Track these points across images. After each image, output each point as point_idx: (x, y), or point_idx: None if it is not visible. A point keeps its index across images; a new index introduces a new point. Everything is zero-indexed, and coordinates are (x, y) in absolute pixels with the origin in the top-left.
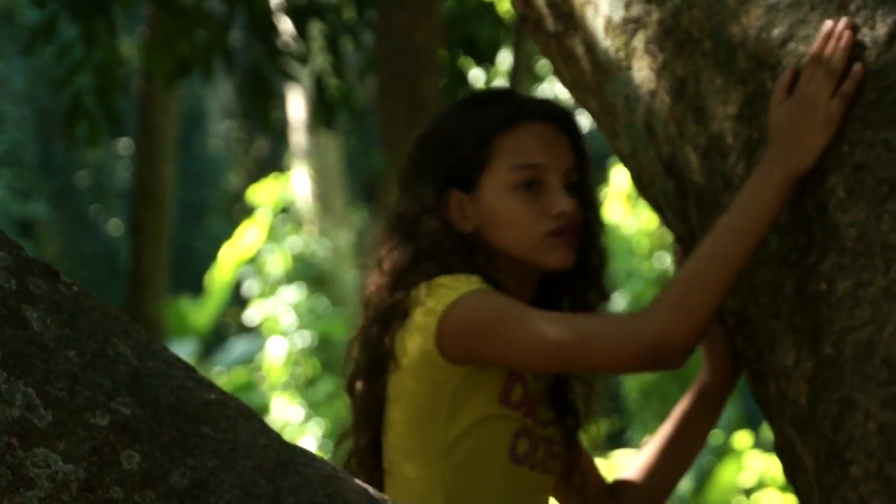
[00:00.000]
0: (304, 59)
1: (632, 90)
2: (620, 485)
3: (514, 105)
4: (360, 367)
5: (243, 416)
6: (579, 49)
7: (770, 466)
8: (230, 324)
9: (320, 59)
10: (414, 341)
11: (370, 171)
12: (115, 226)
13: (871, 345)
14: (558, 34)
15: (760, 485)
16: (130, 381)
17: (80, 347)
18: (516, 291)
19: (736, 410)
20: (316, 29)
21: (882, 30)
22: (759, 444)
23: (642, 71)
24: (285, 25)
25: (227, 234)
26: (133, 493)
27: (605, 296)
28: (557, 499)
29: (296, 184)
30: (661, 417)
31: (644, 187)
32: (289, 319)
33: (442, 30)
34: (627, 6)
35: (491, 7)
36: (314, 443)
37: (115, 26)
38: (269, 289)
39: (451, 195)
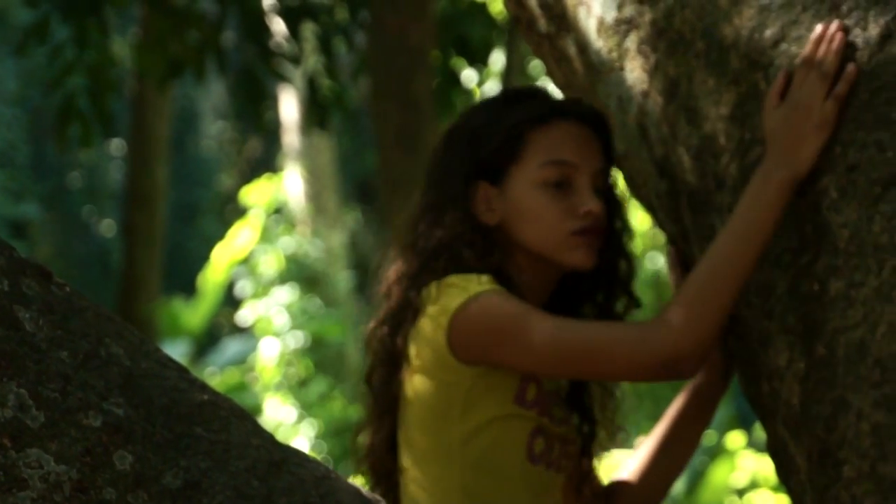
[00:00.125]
0: (296, 60)
1: (624, 91)
2: (616, 487)
3: (549, 102)
4: (375, 363)
5: (236, 416)
6: (572, 50)
7: (763, 467)
8: (223, 324)
9: (313, 60)
10: (425, 342)
11: (363, 171)
12: (107, 227)
13: (863, 345)
14: (551, 35)
15: (753, 485)
16: (123, 382)
17: (73, 348)
18: (532, 290)
19: (728, 411)
20: (308, 30)
21: (874, 31)
22: (751, 445)
23: (635, 72)
24: (278, 26)
25: (220, 235)
26: (126, 494)
27: (636, 303)
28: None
29: (288, 184)
30: (655, 418)
31: (637, 188)
32: (282, 320)
33: (434, 30)
34: (620, 7)
35: (483, 8)
36: (307, 443)
37: (108, 27)
38: (262, 289)
39: (479, 187)
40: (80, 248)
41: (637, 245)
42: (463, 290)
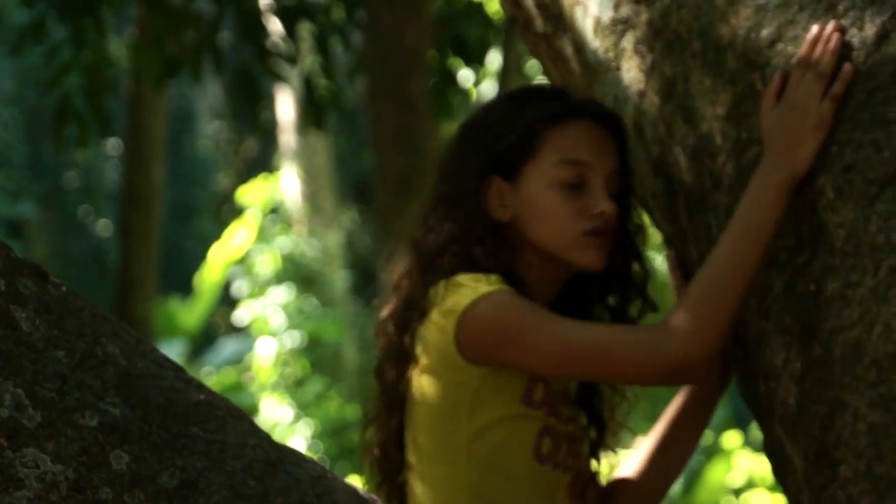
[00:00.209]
0: (293, 60)
1: (621, 91)
2: (614, 487)
3: (567, 101)
4: (383, 359)
5: (233, 416)
6: (568, 50)
7: (759, 466)
8: (219, 324)
9: (309, 60)
10: (433, 341)
11: (359, 171)
12: (104, 226)
13: (859, 345)
14: (547, 35)
15: (749, 485)
16: (119, 382)
17: (70, 348)
18: (540, 289)
19: (725, 410)
20: (305, 29)
21: (870, 30)
22: (748, 444)
23: (631, 71)
24: (274, 26)
25: (217, 235)
26: (122, 494)
27: (652, 306)
28: None
29: (285, 184)
30: (652, 419)
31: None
32: (278, 320)
33: (431, 30)
34: (616, 7)
35: (480, 7)
36: (303, 443)
37: (104, 27)
38: (259, 289)
39: (492, 182)
40: (77, 247)
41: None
42: (472, 289)
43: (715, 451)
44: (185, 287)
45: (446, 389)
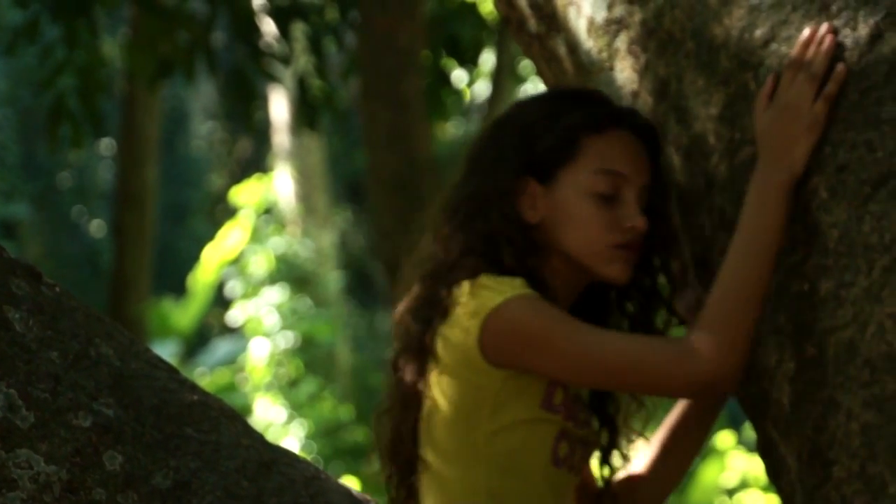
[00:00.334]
0: (286, 60)
1: (614, 91)
2: (615, 491)
3: (608, 108)
4: (400, 353)
5: (226, 417)
6: (562, 50)
7: (753, 466)
8: (213, 325)
9: (303, 60)
10: (456, 342)
11: (353, 171)
12: (97, 227)
13: (853, 345)
14: (541, 35)
15: (743, 485)
16: (113, 383)
17: (63, 349)
18: (561, 293)
19: None
20: (299, 30)
21: (864, 31)
22: (741, 444)
23: (625, 72)
24: (268, 26)
25: (210, 235)
26: (116, 495)
27: (680, 319)
28: None
29: (278, 185)
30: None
31: None
32: (272, 320)
33: (424, 31)
34: (610, 7)
35: (473, 8)
36: (297, 444)
37: (98, 27)
38: (252, 290)
39: (526, 184)
40: (70, 248)
41: None
42: (497, 292)
43: (708, 451)
44: (178, 287)
45: (466, 390)
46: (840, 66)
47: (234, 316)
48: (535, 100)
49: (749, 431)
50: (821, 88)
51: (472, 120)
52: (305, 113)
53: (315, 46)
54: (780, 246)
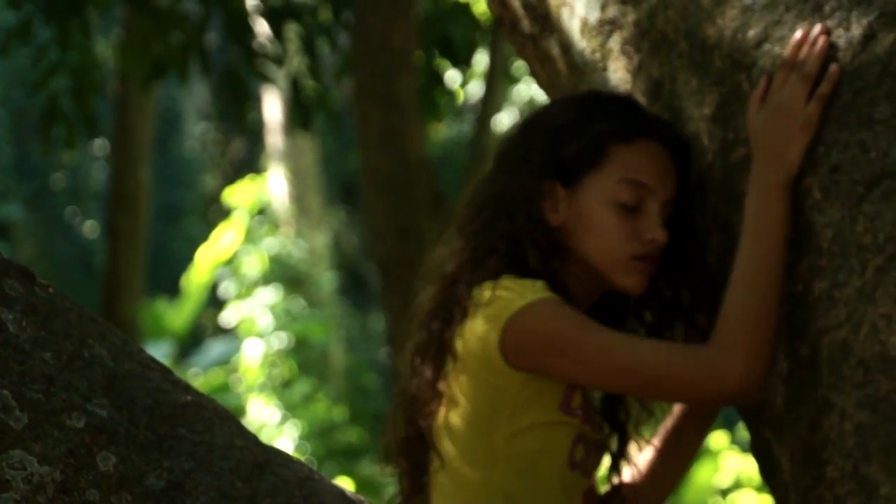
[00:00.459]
0: (280, 61)
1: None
2: (615, 493)
3: (640, 117)
4: (419, 352)
5: (220, 417)
6: (555, 50)
7: (746, 467)
8: (207, 325)
9: (296, 61)
10: (476, 343)
11: (346, 172)
12: (90, 228)
13: (846, 346)
14: (534, 35)
15: (737, 485)
16: (106, 383)
17: (56, 349)
18: (579, 298)
19: None
20: (292, 30)
21: (857, 31)
22: (735, 444)
23: (618, 72)
24: (261, 27)
25: (204, 236)
26: (109, 495)
27: (700, 334)
28: None
29: (272, 185)
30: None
31: None
32: (265, 321)
33: (418, 31)
34: (603, 8)
35: (467, 8)
36: (290, 444)
37: (91, 28)
38: (246, 290)
39: (551, 186)
40: (64, 248)
41: None
42: (519, 295)
43: (702, 451)
44: (172, 288)
45: (485, 392)
46: (833, 67)
47: (228, 317)
48: (568, 102)
49: (743, 431)
50: (814, 89)
51: (466, 120)
52: (299, 113)
53: (308, 47)
54: (786, 242)
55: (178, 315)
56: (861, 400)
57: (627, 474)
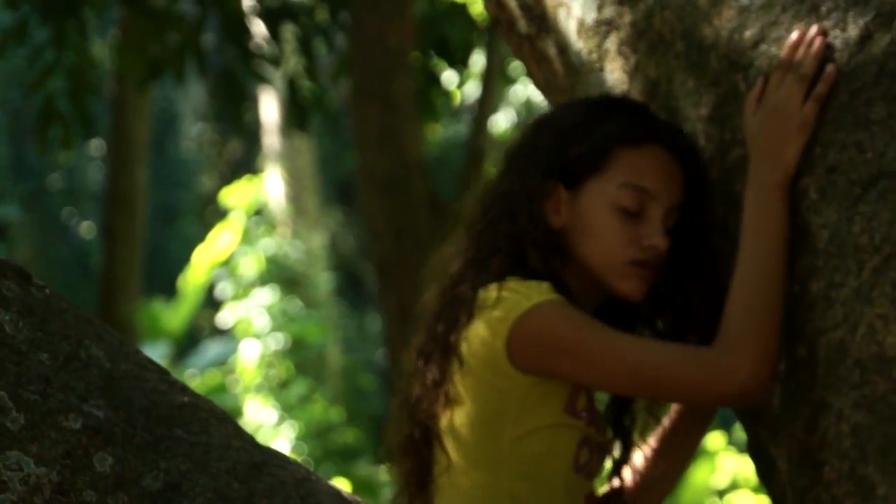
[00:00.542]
0: (276, 62)
1: (604, 92)
2: (612, 497)
3: (648, 122)
4: (424, 353)
5: (216, 418)
6: (552, 51)
7: (743, 467)
8: (203, 326)
9: (293, 62)
10: (482, 346)
11: (343, 173)
12: (87, 228)
13: (843, 346)
14: (531, 36)
15: (733, 486)
16: (103, 384)
17: (53, 350)
18: (582, 299)
19: None
20: (289, 31)
21: (853, 31)
22: (732, 445)
23: (615, 73)
24: (258, 28)
25: (201, 237)
26: (106, 496)
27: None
28: None
29: (269, 186)
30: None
31: None
32: (262, 322)
33: (414, 32)
34: (600, 8)
35: (463, 9)
36: (287, 445)
37: (87, 29)
38: (243, 291)
39: (554, 187)
40: (60, 249)
41: None
42: (525, 297)
43: (699, 452)
44: (169, 289)
45: (490, 394)
46: (830, 67)
47: (225, 317)
48: (580, 104)
49: (739, 432)
50: (810, 89)
51: (463, 121)
52: (295, 114)
53: (305, 48)
54: (786, 240)
55: (175, 316)
56: (858, 401)
57: (627, 476)
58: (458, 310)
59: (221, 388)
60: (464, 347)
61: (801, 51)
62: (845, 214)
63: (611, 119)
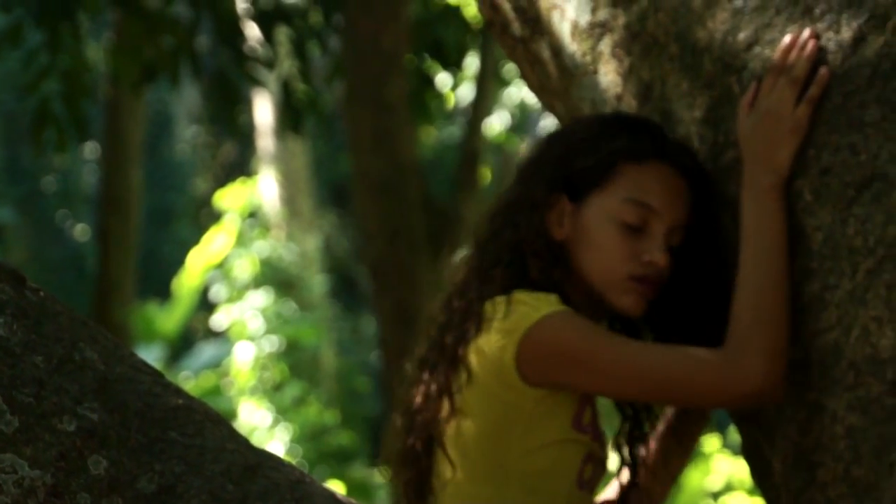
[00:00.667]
0: (270, 64)
1: (598, 94)
2: (610, 499)
3: (656, 140)
4: (428, 363)
5: (211, 421)
6: (546, 53)
7: (738, 470)
8: (198, 329)
9: (287, 64)
10: (490, 358)
11: (337, 175)
12: (81, 231)
13: (837, 348)
14: (525, 38)
15: (728, 488)
16: (97, 387)
17: (47, 353)
18: (584, 312)
19: None
20: (283, 34)
21: (847, 34)
22: (726, 447)
23: (609, 75)
24: (252, 30)
25: (195, 240)
26: (100, 499)
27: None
28: None
29: (263, 188)
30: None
31: None
32: (256, 324)
33: (408, 34)
34: (594, 10)
35: (457, 11)
36: (282, 447)
37: (81, 31)
38: (237, 293)
39: (557, 199)
40: (55, 252)
41: None
42: (533, 308)
43: (694, 454)
44: (163, 292)
45: (497, 408)
46: (823, 70)
47: (219, 320)
48: (590, 119)
49: (734, 434)
50: (803, 92)
51: (457, 123)
52: (290, 116)
53: (299, 50)
54: (786, 240)
55: (170, 318)
56: (852, 402)
57: (620, 482)
58: (467, 321)
59: (216, 391)
60: (472, 359)
61: (794, 54)
62: (839, 216)
63: (619, 135)
